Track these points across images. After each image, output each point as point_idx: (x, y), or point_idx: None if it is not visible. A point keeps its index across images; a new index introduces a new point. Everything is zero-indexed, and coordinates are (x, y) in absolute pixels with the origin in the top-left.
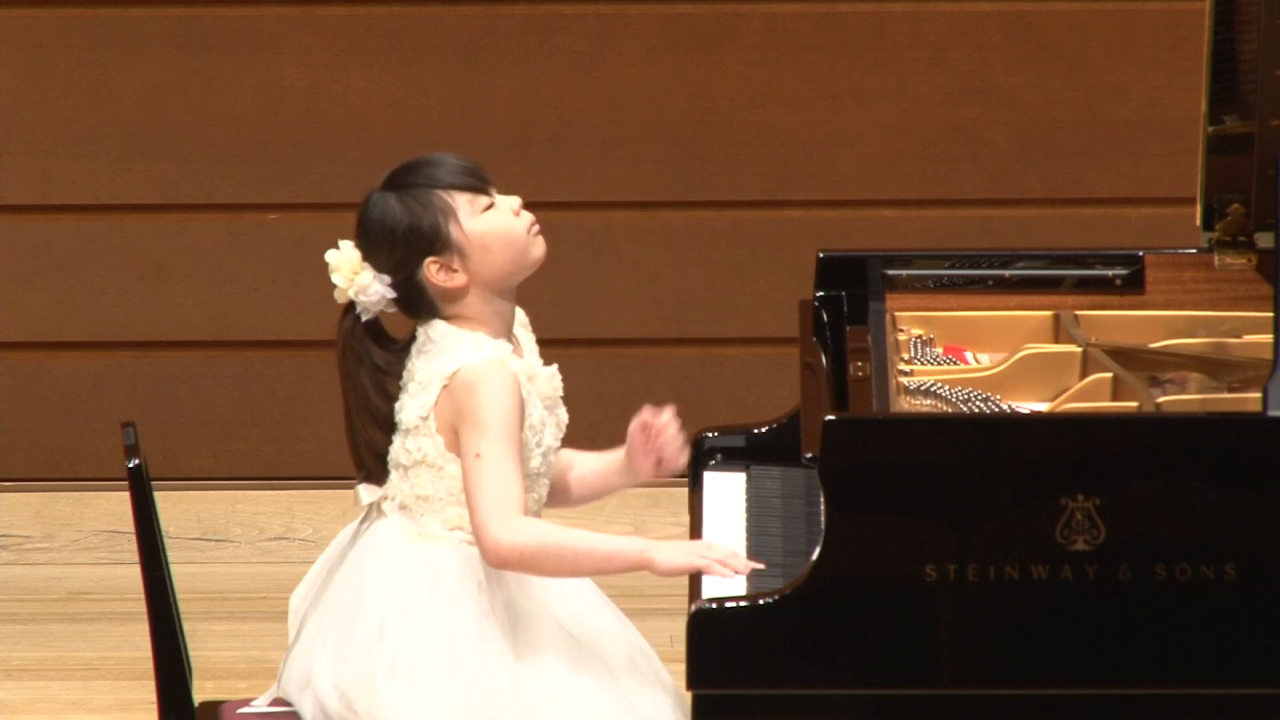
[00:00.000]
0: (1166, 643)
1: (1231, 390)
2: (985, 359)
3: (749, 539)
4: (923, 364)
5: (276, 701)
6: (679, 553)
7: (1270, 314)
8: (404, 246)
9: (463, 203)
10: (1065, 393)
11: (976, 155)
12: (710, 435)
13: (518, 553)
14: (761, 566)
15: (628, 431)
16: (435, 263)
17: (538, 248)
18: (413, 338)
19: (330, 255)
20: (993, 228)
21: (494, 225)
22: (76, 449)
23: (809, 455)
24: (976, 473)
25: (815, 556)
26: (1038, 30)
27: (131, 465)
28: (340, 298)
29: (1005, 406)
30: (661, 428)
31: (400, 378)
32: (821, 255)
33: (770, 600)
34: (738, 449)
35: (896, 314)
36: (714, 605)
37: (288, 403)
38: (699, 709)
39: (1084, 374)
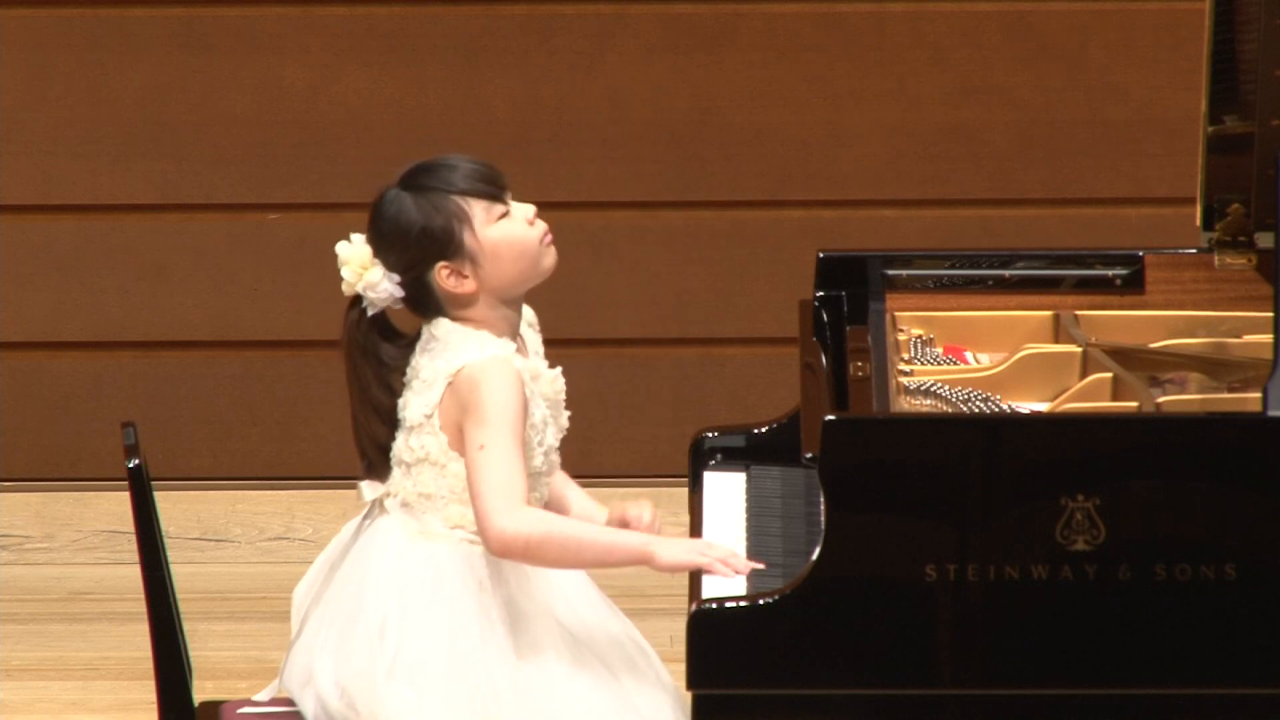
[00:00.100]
0: (1166, 643)
1: (1231, 390)
2: (985, 359)
3: (749, 539)
4: (923, 364)
5: (278, 701)
6: (680, 549)
7: (1270, 314)
8: (416, 248)
9: (478, 210)
10: (1065, 393)
11: (976, 155)
12: (710, 435)
13: (522, 541)
14: (761, 566)
15: (608, 518)
16: (446, 268)
17: (549, 258)
18: (418, 334)
19: (341, 248)
20: (993, 228)
21: (508, 234)
22: (76, 449)
23: (809, 455)
24: (976, 473)
25: (815, 556)
26: (1038, 30)
27: (131, 465)
28: (347, 290)
29: (1005, 406)
30: (644, 527)
31: (405, 373)
32: (821, 255)
33: (770, 600)
34: (738, 449)
35: (896, 314)
36: (714, 605)
37: (288, 403)
38: (699, 709)
39: (1084, 374)
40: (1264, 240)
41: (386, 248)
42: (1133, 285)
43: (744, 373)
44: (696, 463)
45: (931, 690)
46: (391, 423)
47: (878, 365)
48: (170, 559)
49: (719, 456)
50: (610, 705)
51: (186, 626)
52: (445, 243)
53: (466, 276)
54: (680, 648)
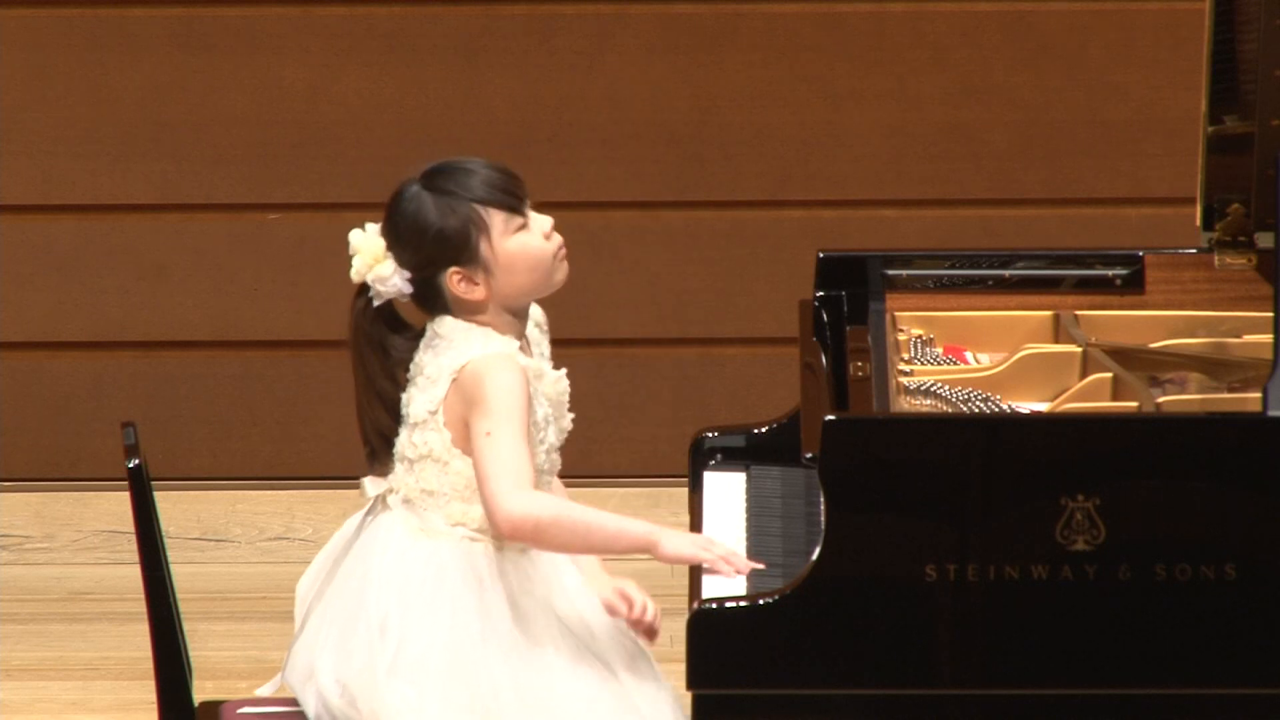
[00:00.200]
0: (1166, 643)
1: (1231, 390)
2: (985, 359)
3: (749, 539)
4: (923, 364)
5: (279, 700)
6: (684, 542)
7: (1270, 314)
8: (431, 250)
9: (497, 220)
10: (1065, 393)
11: (976, 155)
12: (710, 435)
13: (532, 522)
14: (761, 567)
15: (601, 600)
16: (458, 273)
17: (561, 273)
18: (424, 329)
19: (355, 236)
20: (993, 228)
21: (524, 247)
22: (76, 449)
23: (809, 455)
24: (976, 473)
25: (815, 556)
26: (1038, 30)
27: (131, 465)
28: (355, 278)
29: (1005, 406)
30: (634, 620)
31: (409, 365)
32: (821, 255)
33: (770, 600)
34: (738, 449)
35: (896, 314)
36: (714, 605)
37: (288, 403)
38: (699, 709)
39: (1084, 374)
40: (1264, 240)
41: (401, 245)
42: (1133, 285)
43: (744, 373)
44: (696, 463)
45: (931, 690)
46: (396, 412)
47: (878, 365)
48: (170, 559)
49: (719, 456)
50: (610, 704)
51: (186, 626)
52: (460, 249)
53: (478, 284)
54: (680, 648)
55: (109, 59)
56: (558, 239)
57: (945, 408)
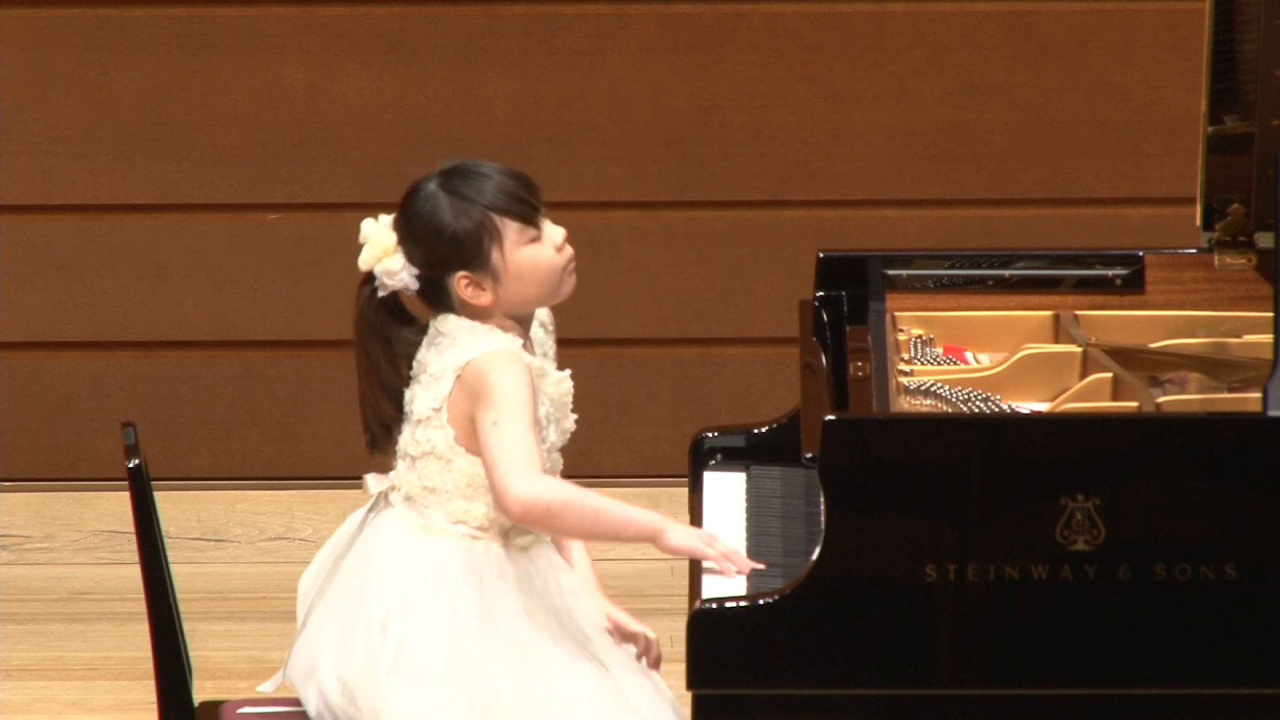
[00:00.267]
0: (1166, 643)
1: (1231, 390)
2: (985, 359)
3: (749, 539)
4: (923, 364)
5: (279, 700)
6: (688, 536)
7: (1270, 314)
8: (441, 252)
9: (511, 230)
10: (1065, 393)
11: (976, 155)
12: (710, 435)
13: (543, 505)
14: (761, 567)
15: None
16: (466, 278)
17: (569, 285)
18: (428, 324)
19: (367, 226)
20: (993, 228)
21: (534, 259)
22: (76, 449)
23: (809, 455)
24: (976, 473)
25: (815, 556)
26: (1038, 30)
27: (131, 465)
28: (363, 266)
29: (1005, 406)
30: (640, 651)
31: (412, 357)
32: (821, 255)
33: (770, 600)
34: (738, 449)
35: (896, 314)
36: (714, 605)
37: (288, 403)
38: (699, 709)
39: (1084, 374)
40: (1264, 240)
41: (412, 242)
42: (1133, 285)
43: (744, 373)
44: (696, 463)
45: (931, 690)
46: (397, 401)
47: (878, 365)
48: (170, 559)
49: (719, 456)
50: (608, 702)
51: (186, 626)
52: (472, 255)
53: (485, 290)
54: (680, 648)
55: (109, 59)
56: (569, 251)
57: (945, 408)
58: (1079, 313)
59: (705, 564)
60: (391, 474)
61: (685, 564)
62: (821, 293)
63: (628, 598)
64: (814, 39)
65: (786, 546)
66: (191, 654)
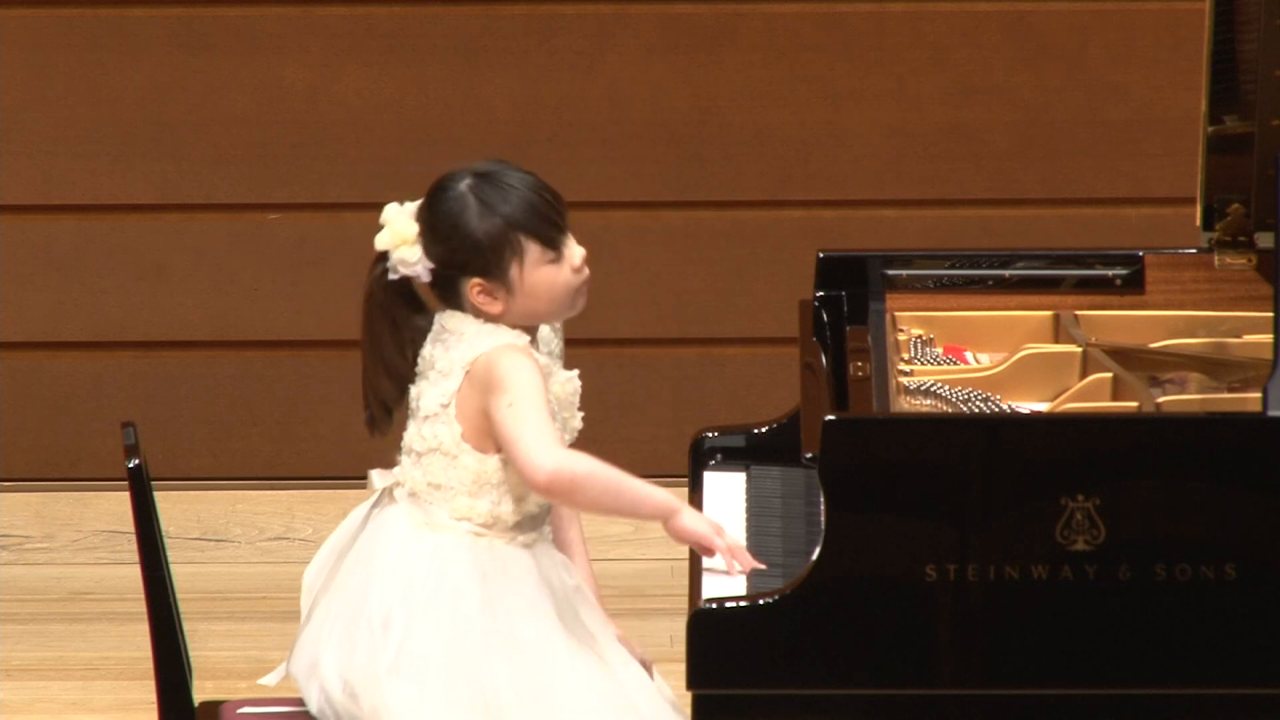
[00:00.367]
0: (1166, 643)
1: (1231, 390)
2: (985, 359)
3: (749, 539)
4: (923, 364)
5: (279, 700)
6: (700, 522)
7: (1270, 314)
8: (460, 256)
9: (533, 249)
10: (1065, 393)
11: (976, 155)
12: (710, 435)
13: (568, 474)
14: (763, 567)
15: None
16: (479, 286)
17: (579, 304)
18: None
19: (390, 211)
20: (993, 228)
21: (551, 280)
22: (76, 449)
23: (809, 455)
24: (976, 473)
25: (815, 556)
26: (1038, 30)
27: (131, 465)
28: (378, 246)
29: (1005, 406)
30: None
31: (418, 343)
32: (821, 255)
33: (770, 600)
34: (738, 449)
35: (896, 314)
36: (714, 605)
37: (288, 403)
38: (699, 709)
39: (1084, 374)
40: (1264, 240)
41: (433, 237)
42: (1133, 285)
43: (744, 373)
44: (696, 463)
45: (932, 690)
46: (399, 381)
47: (878, 365)
48: (170, 559)
49: (719, 456)
50: (611, 701)
51: (186, 626)
52: (490, 265)
53: (496, 300)
54: (680, 648)
55: (109, 59)
56: (585, 273)
57: (945, 408)
58: (1079, 313)
59: (705, 562)
60: (395, 469)
61: (685, 564)
62: (821, 293)
63: (628, 598)
64: (814, 39)
65: (786, 546)
66: (191, 654)
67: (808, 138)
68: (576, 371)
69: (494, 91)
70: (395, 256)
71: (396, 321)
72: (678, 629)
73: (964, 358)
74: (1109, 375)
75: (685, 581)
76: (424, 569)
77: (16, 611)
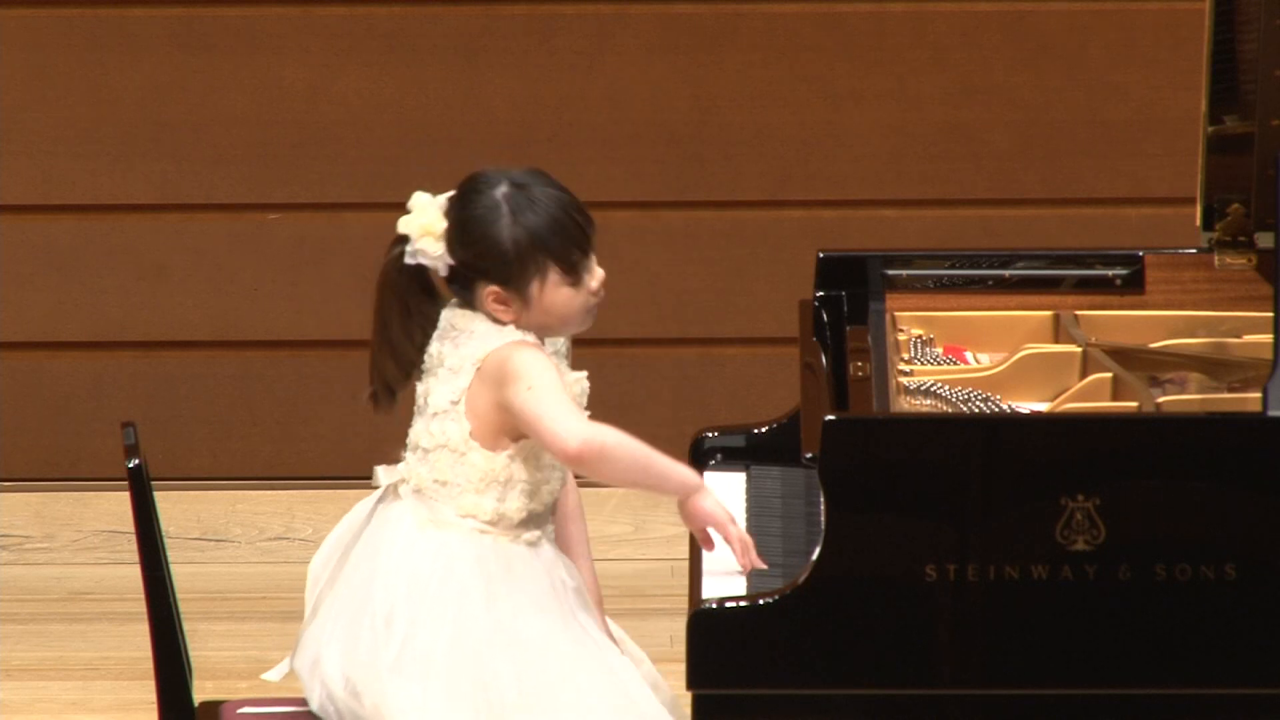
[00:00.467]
0: (1166, 643)
1: (1231, 390)
2: (985, 359)
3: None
4: (923, 364)
5: (279, 700)
6: (716, 506)
7: (1270, 314)
8: (483, 262)
9: (556, 272)
10: (1065, 393)
11: (976, 155)
12: (710, 435)
13: (597, 444)
14: (764, 566)
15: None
16: (495, 294)
17: (587, 323)
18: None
19: (418, 199)
20: (993, 228)
21: (568, 302)
22: (76, 449)
23: (809, 455)
24: (976, 473)
25: (815, 556)
26: (1038, 30)
27: (131, 465)
28: (401, 229)
29: (1005, 406)
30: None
31: (426, 329)
32: (821, 255)
33: (770, 600)
34: (738, 449)
35: (896, 314)
36: (714, 605)
37: (288, 403)
38: (699, 709)
39: (1084, 374)
40: (1264, 240)
41: (459, 239)
42: (1133, 285)
43: (744, 373)
44: (696, 463)
45: (931, 690)
46: (403, 365)
47: (878, 365)
48: (170, 559)
49: (719, 456)
50: (613, 700)
51: (186, 626)
52: (511, 278)
53: (509, 309)
54: (680, 648)
55: (109, 59)
56: (601, 295)
57: (945, 408)
58: (1079, 313)
59: (706, 559)
60: (400, 465)
61: (685, 564)
62: (821, 293)
63: (628, 598)
64: (814, 39)
65: (786, 546)
66: (191, 654)
67: (808, 138)
68: (584, 373)
69: (494, 91)
70: (417, 245)
71: (409, 306)
72: (678, 629)
73: (964, 358)
74: (1109, 375)
75: (685, 581)
76: (428, 566)
77: (16, 611)
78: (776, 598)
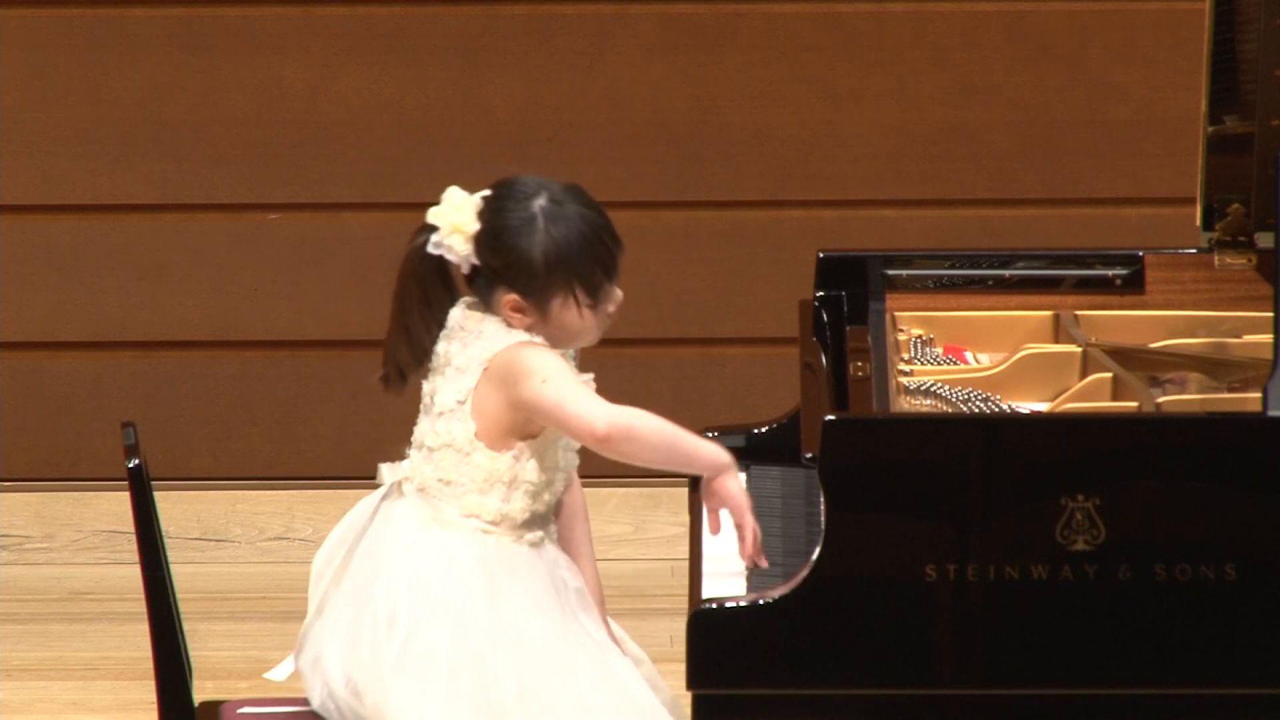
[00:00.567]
0: (1166, 643)
1: (1231, 390)
2: (985, 359)
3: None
4: (923, 364)
5: (279, 700)
6: (740, 491)
7: (1270, 314)
8: (510, 271)
9: (579, 293)
10: (1065, 393)
11: (976, 155)
12: (710, 435)
13: (625, 424)
14: (765, 565)
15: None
16: (515, 302)
17: (594, 341)
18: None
19: (456, 198)
20: (993, 228)
21: (583, 322)
22: (76, 449)
23: (809, 455)
24: (976, 473)
25: (815, 556)
26: (1038, 30)
27: (131, 465)
28: (430, 219)
29: (1005, 406)
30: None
31: (442, 320)
32: (821, 255)
33: (770, 600)
34: (738, 449)
35: (896, 314)
36: (714, 605)
37: (288, 403)
38: (699, 709)
39: (1084, 374)
40: (1264, 240)
41: (489, 245)
42: (1133, 285)
43: (744, 373)
44: None
45: (931, 690)
46: (416, 351)
47: (878, 365)
48: (170, 559)
49: None
50: (614, 701)
51: (186, 626)
52: (533, 290)
53: (525, 318)
54: (680, 648)
55: (109, 59)
56: (614, 317)
57: (945, 408)
58: (1079, 313)
59: (706, 547)
60: (405, 463)
61: (685, 564)
62: (821, 293)
63: (628, 598)
64: (814, 39)
65: (786, 546)
66: (191, 654)
67: (808, 138)
68: (591, 375)
69: (494, 91)
70: (445, 239)
71: (428, 295)
72: (678, 629)
73: (964, 358)
74: (1109, 375)
75: (685, 581)
76: (430, 565)
77: (16, 611)
78: (776, 598)
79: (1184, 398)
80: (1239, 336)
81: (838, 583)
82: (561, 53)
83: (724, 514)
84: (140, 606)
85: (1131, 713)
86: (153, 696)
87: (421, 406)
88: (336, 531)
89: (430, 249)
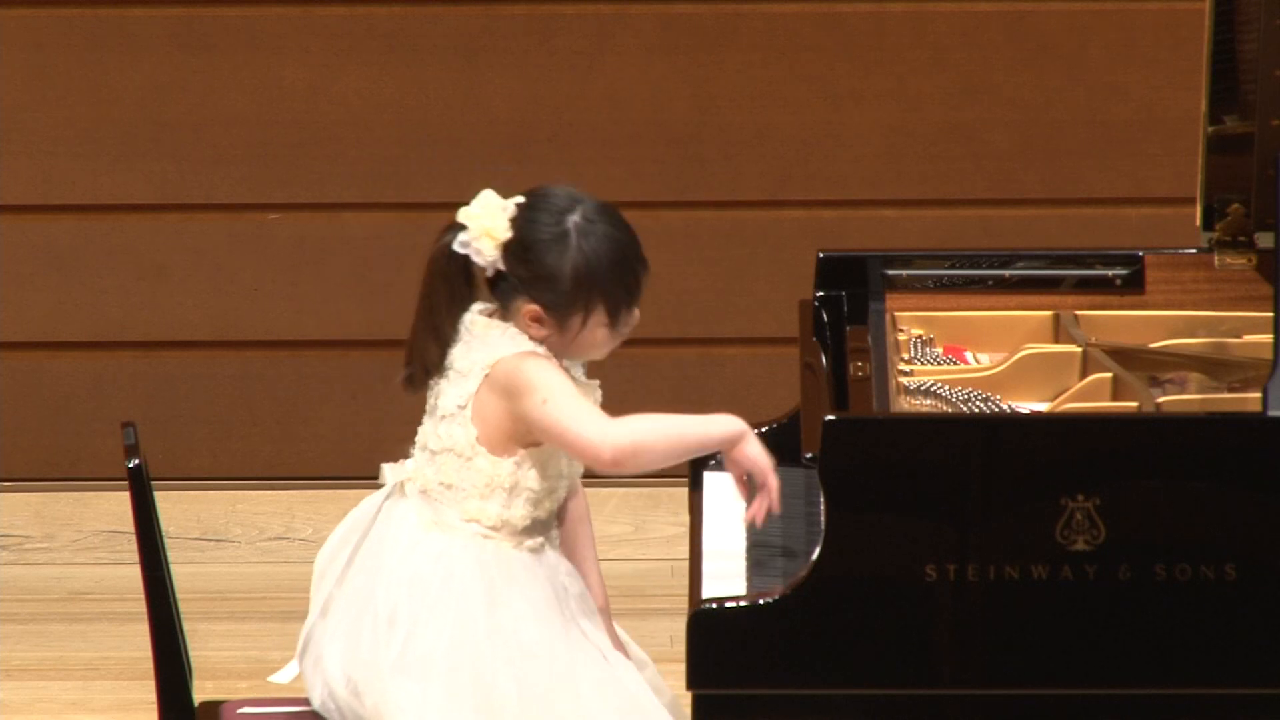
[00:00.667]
0: (1166, 643)
1: (1231, 390)
2: (985, 359)
3: (749, 539)
4: (923, 364)
5: (279, 700)
6: (762, 454)
7: (1270, 314)
8: (536, 282)
9: (601, 314)
10: (1065, 393)
11: (976, 155)
12: None
13: (631, 445)
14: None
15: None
16: (534, 312)
17: (601, 356)
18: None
19: (488, 198)
20: (993, 228)
21: (599, 340)
22: (76, 449)
23: (809, 455)
24: (976, 473)
25: (815, 556)
26: (1038, 30)
27: (131, 465)
28: (461, 219)
29: (1005, 406)
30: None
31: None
32: (821, 255)
33: (770, 600)
34: None
35: (896, 314)
36: (714, 605)
37: (288, 403)
38: (699, 709)
39: (1084, 374)
40: (1264, 240)
41: (519, 254)
42: (1133, 285)
43: (744, 373)
44: (697, 462)
45: (931, 690)
46: (444, 348)
47: (878, 365)
48: (170, 559)
49: (719, 456)
50: (613, 703)
51: (186, 626)
52: (555, 305)
53: (542, 329)
54: (680, 648)
55: (109, 59)
56: (626, 336)
57: (945, 408)
58: (1079, 313)
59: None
60: (408, 464)
61: (685, 564)
62: (821, 293)
63: (628, 598)
64: (814, 39)
65: (786, 546)
66: (191, 654)
67: (808, 138)
68: (598, 382)
69: (494, 91)
70: (472, 241)
71: (454, 292)
72: (678, 629)
73: (964, 358)
74: (1109, 375)
75: (685, 581)
76: (430, 569)
77: (16, 611)
78: (776, 598)
79: (1184, 398)
80: (1239, 336)
81: (838, 583)
82: (561, 53)
83: (720, 516)
84: (140, 606)
85: (1131, 713)
86: (153, 696)
87: (427, 408)
88: (339, 530)
89: (457, 247)
